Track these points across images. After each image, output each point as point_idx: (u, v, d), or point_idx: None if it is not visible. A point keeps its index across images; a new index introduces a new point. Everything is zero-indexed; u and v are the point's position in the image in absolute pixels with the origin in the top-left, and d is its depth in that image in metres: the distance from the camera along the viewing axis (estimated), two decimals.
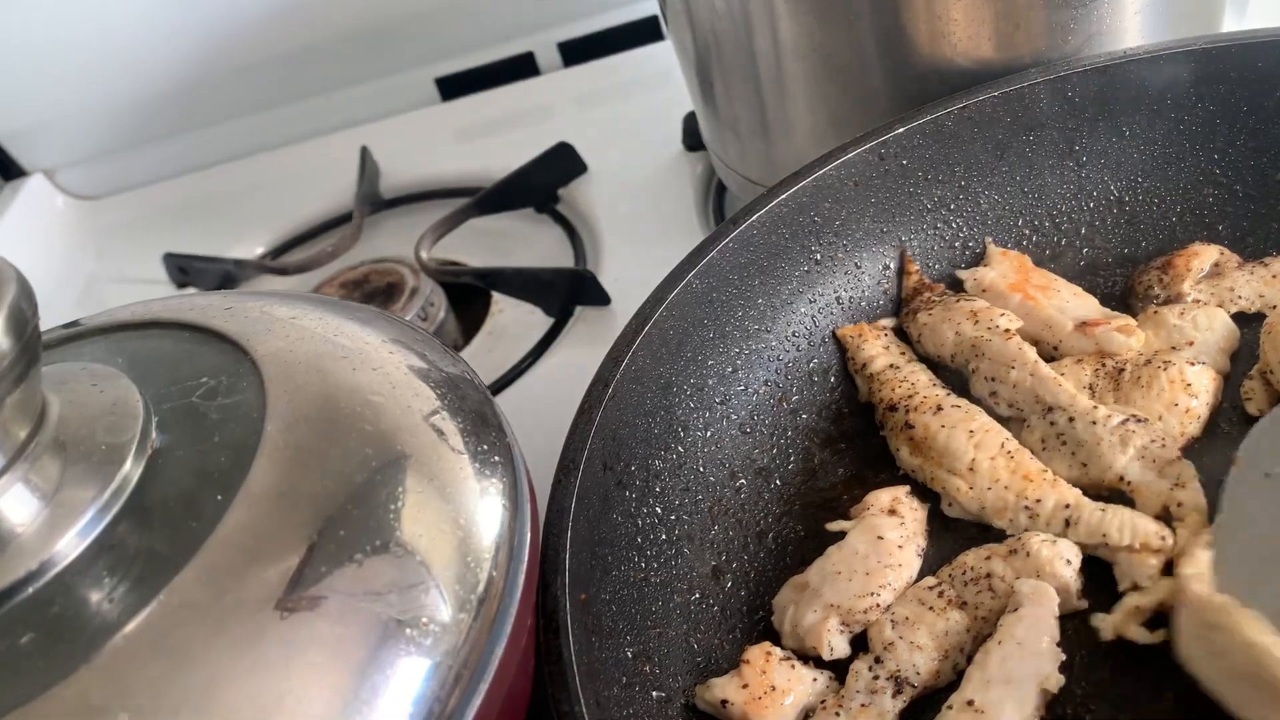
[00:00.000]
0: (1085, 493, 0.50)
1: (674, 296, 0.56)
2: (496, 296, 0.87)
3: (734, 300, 0.59)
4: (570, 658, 0.40)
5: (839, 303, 0.63)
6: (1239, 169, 0.63)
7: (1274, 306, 0.58)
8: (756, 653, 0.47)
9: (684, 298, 0.57)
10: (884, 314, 0.64)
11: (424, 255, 0.86)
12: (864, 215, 0.63)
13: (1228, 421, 0.55)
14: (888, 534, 0.50)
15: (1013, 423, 0.55)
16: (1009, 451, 0.52)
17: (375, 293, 0.87)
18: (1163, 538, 0.46)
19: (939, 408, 0.55)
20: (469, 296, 0.91)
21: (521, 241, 0.94)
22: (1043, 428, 0.53)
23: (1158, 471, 0.50)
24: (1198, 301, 0.59)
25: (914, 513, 0.52)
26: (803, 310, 0.62)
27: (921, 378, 0.58)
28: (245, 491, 0.36)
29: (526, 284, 0.83)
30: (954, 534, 0.52)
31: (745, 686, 0.46)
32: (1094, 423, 0.51)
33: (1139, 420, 0.51)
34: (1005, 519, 0.50)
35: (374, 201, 1.00)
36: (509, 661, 0.38)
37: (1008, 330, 0.57)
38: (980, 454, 0.52)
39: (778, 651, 0.48)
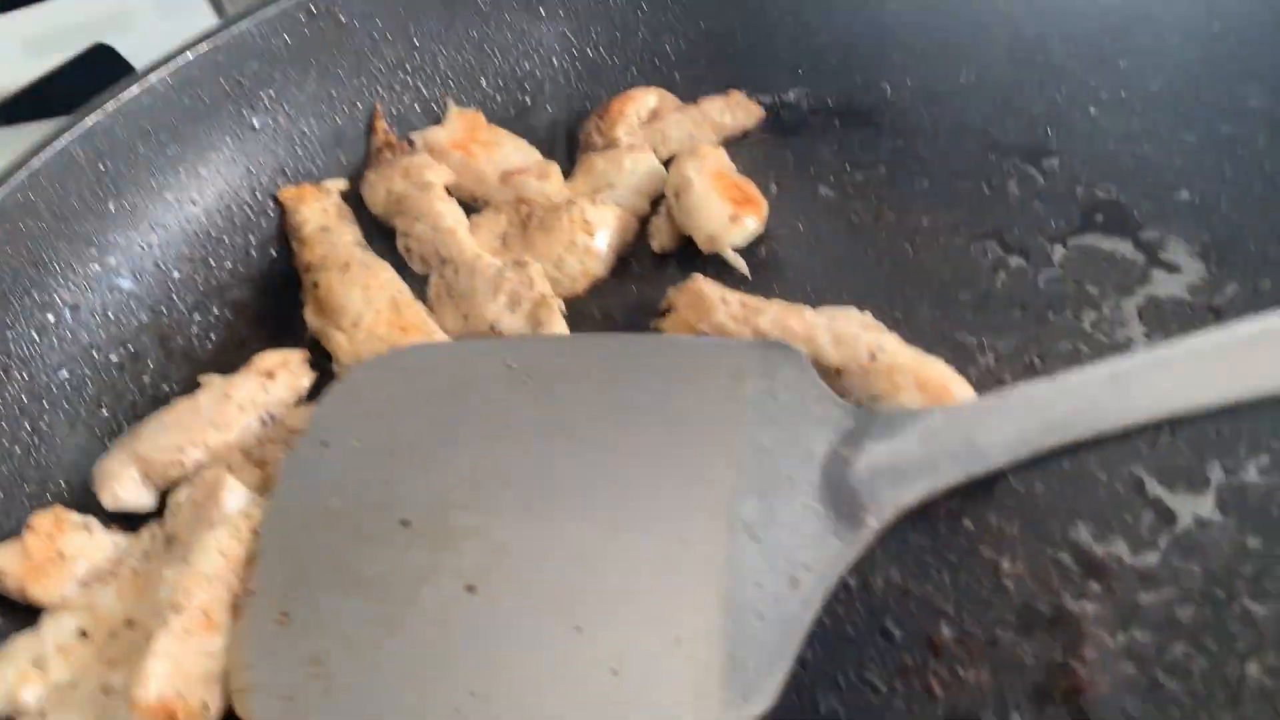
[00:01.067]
0: None
1: (42, 166, 0.51)
2: None
3: (140, 172, 0.54)
4: None
5: (284, 172, 0.59)
6: (692, 15, 0.62)
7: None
8: (44, 519, 0.43)
9: (57, 170, 0.51)
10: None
11: None
12: (306, 78, 0.59)
13: (640, 262, 0.54)
14: (235, 394, 0.46)
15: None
16: (397, 305, 0.50)
17: None
18: None
19: (347, 266, 0.52)
20: None
21: None
22: (438, 281, 0.51)
23: (526, 316, 0.48)
24: (629, 146, 0.57)
25: (294, 379, 0.49)
26: (241, 181, 0.58)
27: (346, 238, 0.55)
28: None
29: None
30: None
31: (27, 556, 0.42)
32: (473, 272, 0.49)
33: (517, 266, 0.49)
34: None
35: None
36: None
37: (428, 184, 0.54)
38: (367, 308, 0.50)
39: (72, 517, 0.44)
